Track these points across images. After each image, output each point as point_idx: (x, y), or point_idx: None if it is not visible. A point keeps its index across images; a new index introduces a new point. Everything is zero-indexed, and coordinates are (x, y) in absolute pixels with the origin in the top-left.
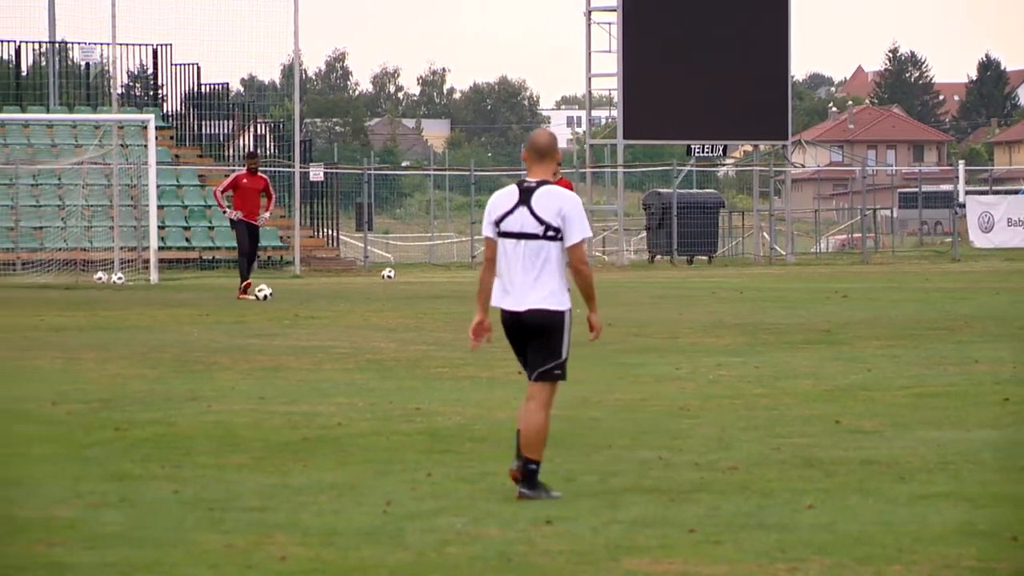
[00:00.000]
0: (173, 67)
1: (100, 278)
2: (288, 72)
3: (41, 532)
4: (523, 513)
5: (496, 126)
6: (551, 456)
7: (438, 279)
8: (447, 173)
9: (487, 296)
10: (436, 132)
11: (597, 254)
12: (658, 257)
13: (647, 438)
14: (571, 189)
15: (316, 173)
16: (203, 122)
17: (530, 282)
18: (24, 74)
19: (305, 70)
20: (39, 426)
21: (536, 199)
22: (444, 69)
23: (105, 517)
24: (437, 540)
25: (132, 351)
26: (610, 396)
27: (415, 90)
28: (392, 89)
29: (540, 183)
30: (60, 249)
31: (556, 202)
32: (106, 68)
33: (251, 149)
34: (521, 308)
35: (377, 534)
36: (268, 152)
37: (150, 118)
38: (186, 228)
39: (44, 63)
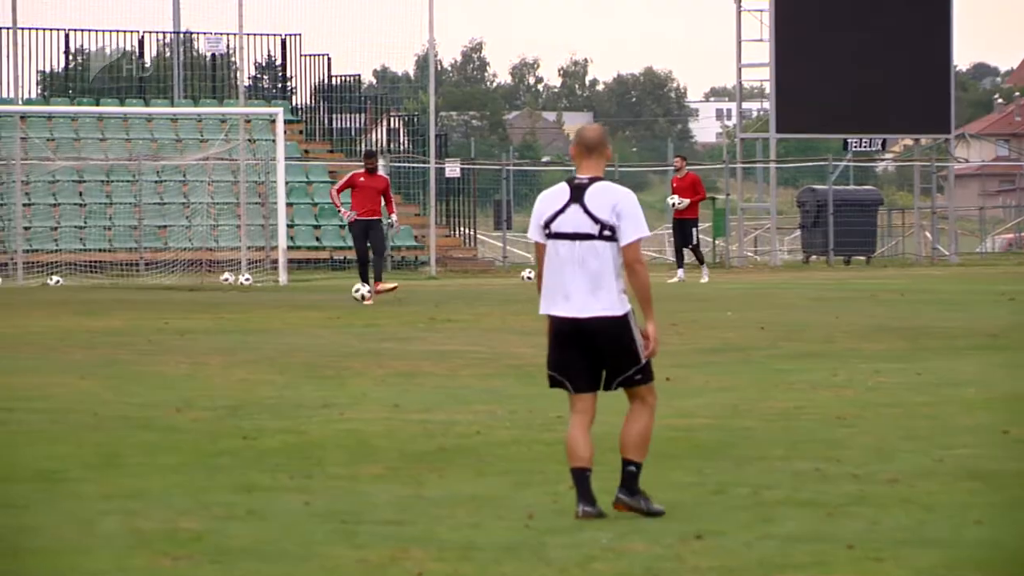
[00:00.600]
0: (302, 58)
1: (226, 279)
2: (422, 63)
3: (166, 545)
4: (671, 527)
5: (641, 119)
6: (700, 467)
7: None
8: None
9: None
10: (578, 125)
11: (749, 253)
12: (813, 257)
13: (802, 448)
14: (699, 184)
15: (452, 169)
16: (334, 116)
17: (588, 287)
18: (148, 66)
19: (440, 61)
20: (163, 434)
21: (589, 196)
22: (586, 59)
23: (232, 530)
24: (581, 556)
25: (260, 356)
26: (763, 404)
27: (556, 81)
28: (532, 81)
29: (592, 179)
30: (185, 249)
31: (611, 198)
32: (232, 59)
33: (369, 148)
34: (583, 315)
35: (518, 549)
36: (402, 147)
37: (278, 112)
38: (316, 227)
39: (168, 54)
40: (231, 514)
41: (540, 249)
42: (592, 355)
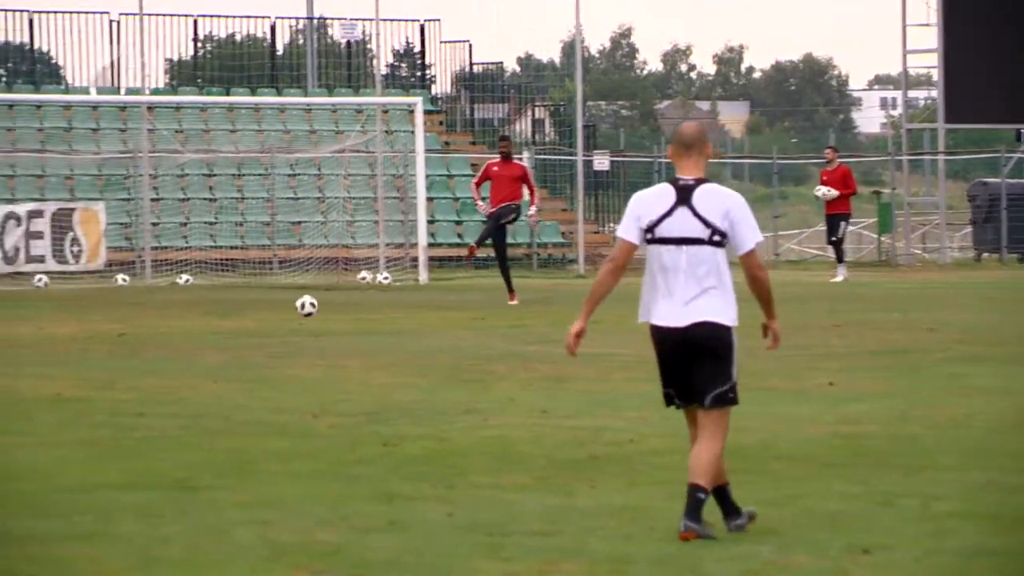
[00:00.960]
0: (442, 45)
1: (364, 278)
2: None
3: (303, 557)
4: (836, 540)
5: (800, 109)
6: (866, 477)
7: (737, 279)
8: (746, 161)
9: (596, 304)
10: (733, 115)
11: (916, 251)
12: (985, 255)
13: (975, 457)
14: (850, 178)
15: (601, 161)
16: (475, 105)
17: (696, 294)
18: (280, 54)
19: (587, 47)
20: (299, 440)
21: (698, 199)
22: (742, 46)
23: (373, 542)
24: (740, 570)
25: (400, 358)
26: (932, 410)
27: (710, 69)
28: (684, 68)
29: (699, 181)
30: (320, 246)
31: (721, 203)
32: (369, 46)
33: (503, 132)
34: (685, 323)
35: (673, 563)
36: (547, 139)
37: (417, 101)
38: (458, 223)
39: (301, 41)
40: (370, 525)
41: (625, 248)
42: (689, 365)
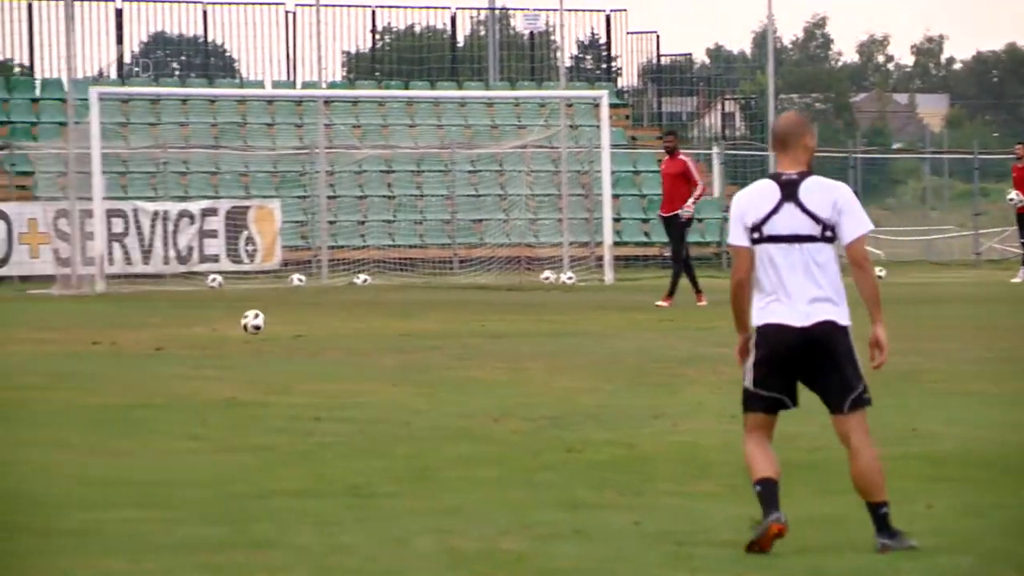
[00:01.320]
0: (628, 36)
1: (547, 278)
2: (760, 41)
3: (484, 566)
4: None
5: (1004, 101)
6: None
7: (937, 279)
8: (946, 156)
9: (747, 318)
10: (932, 108)
11: None
12: None
13: None
14: None
15: None
16: (663, 99)
17: (815, 294)
18: (460, 46)
19: (780, 38)
20: (481, 445)
21: (804, 193)
22: (941, 36)
23: (556, 551)
24: None
25: (584, 361)
26: None
27: (908, 60)
28: (881, 59)
29: (802, 175)
30: (502, 245)
31: (829, 195)
32: (552, 38)
33: (667, 127)
34: (807, 323)
35: (869, 575)
36: (737, 133)
37: (603, 95)
38: (644, 221)
39: (483, 33)
40: (555, 533)
41: (744, 256)
42: (806, 369)
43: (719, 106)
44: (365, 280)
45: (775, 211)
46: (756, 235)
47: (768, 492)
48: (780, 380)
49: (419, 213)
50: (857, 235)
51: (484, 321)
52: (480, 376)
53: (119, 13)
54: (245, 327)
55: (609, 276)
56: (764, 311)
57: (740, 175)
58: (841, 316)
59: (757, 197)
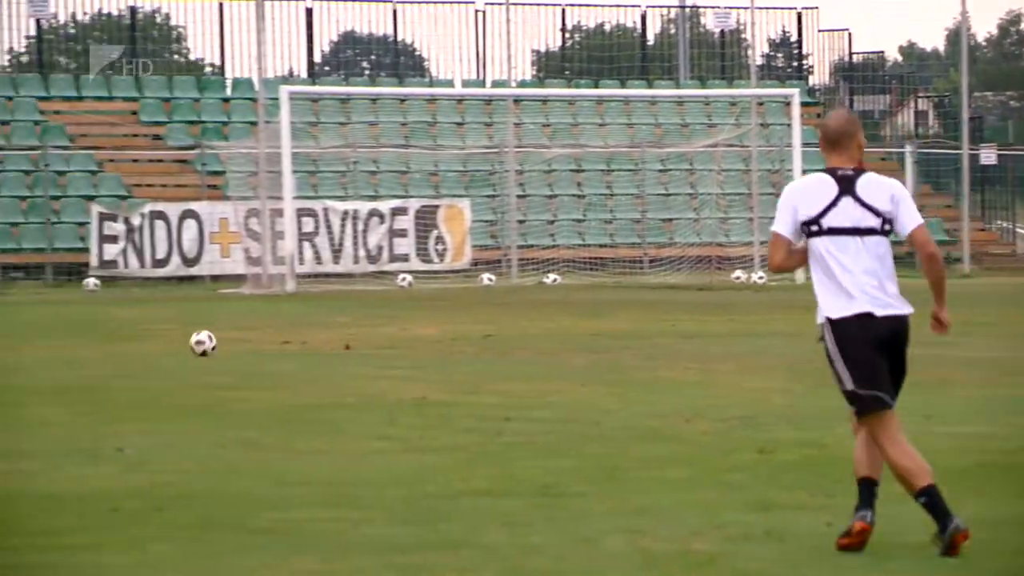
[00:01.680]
0: (819, 33)
1: (738, 277)
2: (954, 38)
3: (677, 568)
4: None
5: None
6: None
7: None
8: None
9: (799, 260)
10: None
11: None
12: None
13: None
14: None
15: (988, 155)
16: (855, 97)
17: (879, 285)
18: (651, 44)
19: (974, 35)
20: (672, 445)
21: (862, 188)
22: None
23: (749, 552)
24: None
25: (776, 361)
26: None
27: None
28: None
29: (857, 171)
30: (692, 244)
31: (885, 189)
32: (743, 36)
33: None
34: (886, 312)
35: None
36: (930, 131)
37: (794, 93)
38: None
39: (673, 31)
40: (747, 534)
41: (782, 244)
42: (890, 360)
43: (912, 104)
44: (555, 279)
45: (833, 205)
46: (815, 228)
47: (927, 506)
48: (878, 373)
49: (609, 212)
50: (917, 223)
51: (674, 321)
52: (670, 376)
53: (309, 12)
54: (199, 343)
55: (800, 276)
56: (840, 304)
57: (933, 174)
58: (905, 307)
59: (813, 191)
